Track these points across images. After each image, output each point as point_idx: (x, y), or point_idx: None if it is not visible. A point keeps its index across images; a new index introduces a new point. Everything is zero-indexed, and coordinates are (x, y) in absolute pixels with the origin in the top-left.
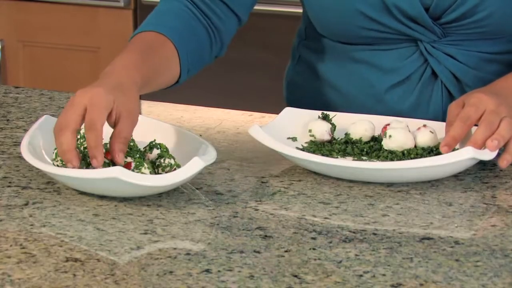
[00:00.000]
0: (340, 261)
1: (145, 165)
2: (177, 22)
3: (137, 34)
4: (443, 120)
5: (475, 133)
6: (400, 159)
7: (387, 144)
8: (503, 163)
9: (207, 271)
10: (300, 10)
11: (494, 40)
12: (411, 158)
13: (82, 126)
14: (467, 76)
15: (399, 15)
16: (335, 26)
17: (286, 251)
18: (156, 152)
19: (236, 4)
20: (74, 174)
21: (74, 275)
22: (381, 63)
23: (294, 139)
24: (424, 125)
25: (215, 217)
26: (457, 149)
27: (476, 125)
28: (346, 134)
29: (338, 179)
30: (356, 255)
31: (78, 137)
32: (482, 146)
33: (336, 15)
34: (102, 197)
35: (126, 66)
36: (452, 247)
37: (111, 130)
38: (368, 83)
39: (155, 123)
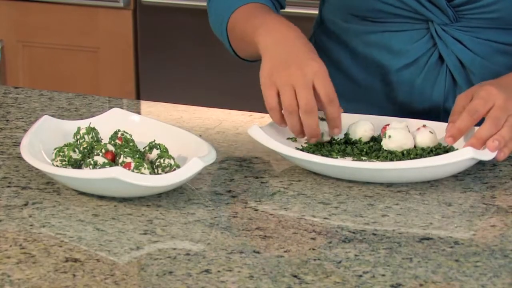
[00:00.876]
0: (340, 261)
1: (145, 165)
2: None
3: (236, 10)
4: (443, 106)
5: (480, 129)
6: (400, 160)
7: (386, 144)
8: (499, 155)
9: (207, 271)
10: (303, 11)
11: (505, 30)
12: (411, 159)
13: (83, 127)
14: (473, 64)
15: None
16: None
17: (285, 251)
18: (155, 152)
19: None
20: (74, 174)
21: (74, 275)
22: (391, 45)
23: (293, 139)
24: (424, 125)
25: (215, 217)
26: (457, 149)
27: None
28: (346, 135)
29: (337, 179)
30: (356, 255)
31: (78, 137)
32: (485, 142)
33: None
34: (101, 197)
35: (282, 24)
36: (451, 247)
37: (112, 130)
38: (377, 65)
39: (155, 123)
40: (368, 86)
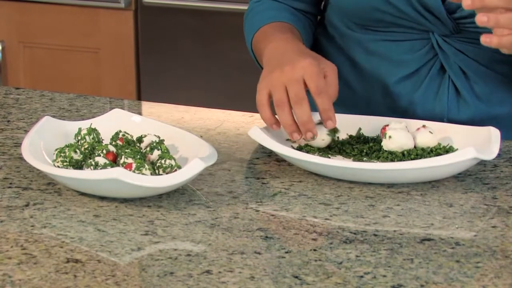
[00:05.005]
0: (341, 262)
1: (146, 166)
2: (288, 13)
3: (260, 29)
4: (447, 117)
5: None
6: (400, 160)
7: (386, 145)
8: (485, 39)
9: (208, 272)
10: None
11: None
12: (411, 159)
13: (84, 128)
14: (477, 73)
15: (416, 2)
16: (351, 5)
17: (286, 252)
18: (156, 153)
19: (304, 7)
20: (75, 175)
21: (75, 276)
22: (392, 55)
23: (292, 141)
24: (424, 126)
25: (216, 218)
26: (457, 149)
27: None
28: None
29: (338, 180)
30: (357, 256)
31: (79, 138)
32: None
33: None
34: (102, 198)
35: (287, 39)
36: (452, 248)
37: (113, 131)
38: (377, 75)
39: (156, 124)
40: (367, 96)
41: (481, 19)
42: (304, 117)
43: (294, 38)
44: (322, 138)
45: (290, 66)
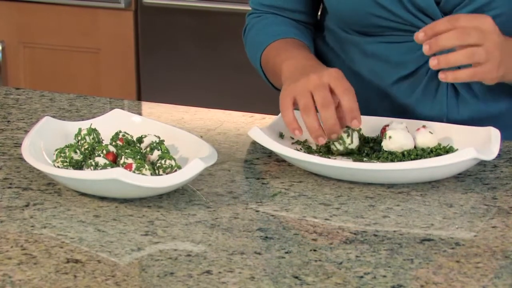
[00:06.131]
0: (341, 263)
1: (146, 166)
2: (293, 28)
3: (268, 46)
4: (447, 116)
5: (444, 34)
6: (400, 160)
7: (387, 145)
8: (441, 75)
9: (208, 272)
10: None
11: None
12: (411, 159)
13: (84, 128)
14: None
15: (410, 5)
16: (347, 11)
17: (286, 253)
18: (157, 153)
19: (305, 18)
20: (75, 175)
21: (75, 276)
22: (390, 56)
23: (298, 142)
24: (424, 126)
25: (216, 218)
26: (457, 149)
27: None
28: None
29: (338, 180)
30: (357, 256)
31: (79, 138)
32: (438, 45)
33: (348, 0)
34: (102, 198)
35: (306, 57)
36: (452, 248)
37: (113, 131)
38: (375, 77)
39: (156, 124)
40: (365, 97)
41: (432, 63)
42: (331, 121)
43: (311, 55)
44: (348, 142)
45: (316, 75)
